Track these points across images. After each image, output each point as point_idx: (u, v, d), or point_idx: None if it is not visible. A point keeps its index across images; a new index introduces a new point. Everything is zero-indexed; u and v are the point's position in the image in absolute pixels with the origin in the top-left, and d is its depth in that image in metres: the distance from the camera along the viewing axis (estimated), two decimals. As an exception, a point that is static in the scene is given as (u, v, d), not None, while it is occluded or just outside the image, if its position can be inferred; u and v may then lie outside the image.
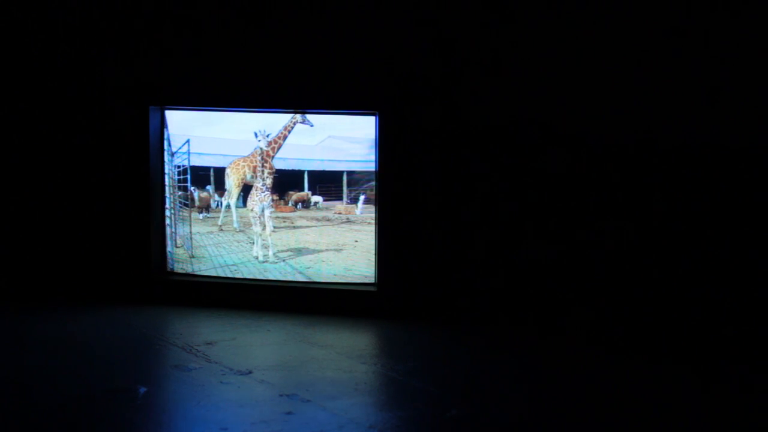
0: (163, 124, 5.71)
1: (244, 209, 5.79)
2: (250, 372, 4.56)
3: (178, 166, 5.77)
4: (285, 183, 5.69)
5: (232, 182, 5.76)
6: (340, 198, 5.61)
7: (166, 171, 5.76)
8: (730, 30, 5.09)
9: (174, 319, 5.44)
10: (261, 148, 5.65)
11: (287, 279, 5.67)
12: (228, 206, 5.82)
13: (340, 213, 5.64)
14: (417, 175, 5.50)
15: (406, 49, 5.44)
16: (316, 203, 5.68)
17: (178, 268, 5.81)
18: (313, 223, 5.69)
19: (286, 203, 5.72)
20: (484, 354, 4.94)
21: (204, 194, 5.82)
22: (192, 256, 5.80)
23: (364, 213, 5.58)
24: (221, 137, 5.70)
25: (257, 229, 5.76)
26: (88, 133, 5.89)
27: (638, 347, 5.00)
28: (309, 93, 5.55)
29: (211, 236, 5.84)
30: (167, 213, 5.79)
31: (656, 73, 5.20)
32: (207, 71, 5.66)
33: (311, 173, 5.65)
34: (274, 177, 5.68)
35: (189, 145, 5.72)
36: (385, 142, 5.42)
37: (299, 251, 5.70)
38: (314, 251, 5.69)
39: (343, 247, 5.64)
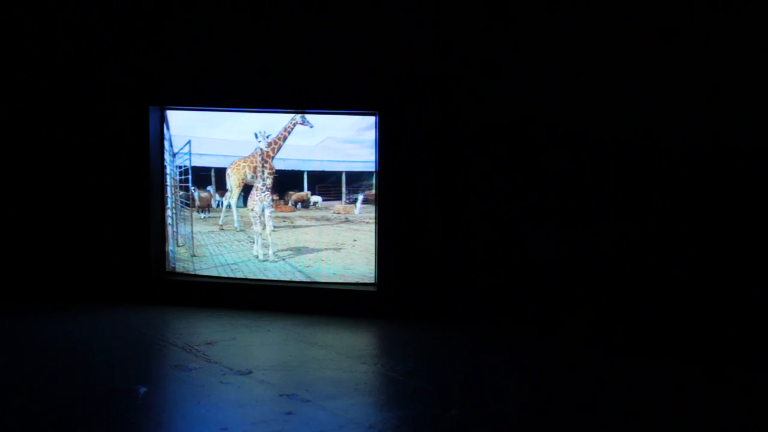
0: (163, 124, 5.71)
1: (245, 209, 5.80)
2: (250, 372, 4.56)
3: (180, 167, 5.77)
4: (285, 183, 5.70)
5: (232, 182, 5.77)
6: (339, 198, 5.62)
7: (168, 171, 5.77)
8: (730, 30, 5.09)
9: (174, 319, 5.44)
10: (261, 149, 5.66)
11: (287, 279, 5.68)
12: (229, 206, 5.82)
13: (338, 213, 5.65)
14: (417, 175, 5.50)
15: (406, 50, 5.44)
16: (315, 203, 5.68)
17: (180, 266, 5.82)
18: (313, 222, 5.69)
19: (286, 203, 5.72)
20: (484, 354, 4.94)
21: (204, 194, 5.82)
22: (193, 255, 5.81)
23: (363, 213, 5.58)
24: (222, 138, 5.71)
25: (257, 228, 5.76)
26: (88, 133, 5.89)
27: (638, 347, 5.00)
28: (309, 93, 5.55)
29: (212, 235, 5.84)
30: (169, 213, 5.80)
31: (656, 73, 5.20)
32: (207, 71, 5.66)
33: (311, 173, 5.66)
34: (274, 177, 5.69)
35: (190, 146, 5.73)
36: (385, 142, 5.42)
37: (299, 250, 5.70)
38: (314, 250, 5.69)
39: (342, 246, 5.65)
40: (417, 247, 5.54)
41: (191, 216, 5.82)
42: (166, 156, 5.74)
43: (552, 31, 5.30)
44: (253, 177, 5.72)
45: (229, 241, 5.82)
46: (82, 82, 5.86)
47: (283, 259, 5.71)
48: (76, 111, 5.89)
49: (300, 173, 5.67)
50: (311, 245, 5.69)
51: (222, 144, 5.72)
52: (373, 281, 5.54)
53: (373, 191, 5.51)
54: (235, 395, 4.27)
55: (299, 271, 5.67)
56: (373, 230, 5.52)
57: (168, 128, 5.72)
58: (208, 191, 5.81)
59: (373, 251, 5.53)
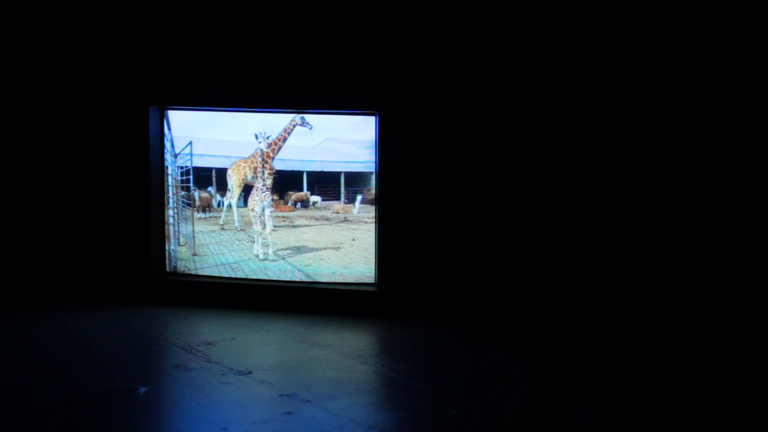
0: (163, 124, 5.71)
1: (245, 209, 5.80)
2: (250, 372, 4.56)
3: (181, 167, 5.78)
4: (285, 183, 5.70)
5: (233, 182, 5.77)
6: (338, 198, 5.63)
7: (170, 172, 5.77)
8: (730, 30, 5.09)
9: (174, 319, 5.44)
10: (261, 150, 5.66)
11: (287, 278, 5.68)
12: (229, 206, 5.82)
13: (338, 212, 5.65)
14: (417, 175, 5.50)
15: (406, 49, 5.44)
16: (314, 203, 5.69)
17: (181, 265, 5.82)
18: (312, 222, 5.70)
19: (286, 203, 5.73)
20: (484, 353, 4.94)
21: (204, 194, 5.82)
22: (195, 254, 5.81)
23: (361, 212, 5.59)
24: (223, 139, 5.71)
25: (258, 227, 5.77)
26: (88, 133, 5.89)
27: (638, 346, 5.00)
28: (309, 93, 5.55)
29: (213, 235, 5.85)
30: (170, 212, 5.80)
31: (656, 72, 5.20)
32: (207, 71, 5.66)
33: (310, 174, 5.66)
34: (274, 177, 5.69)
35: (191, 147, 5.73)
36: (385, 142, 5.42)
37: (298, 249, 5.71)
38: (313, 249, 5.70)
39: (341, 245, 5.65)
40: (417, 247, 5.54)
41: (192, 216, 5.82)
42: (168, 157, 5.75)
43: (552, 30, 5.30)
44: (253, 177, 5.73)
45: (229, 240, 5.83)
46: (82, 82, 5.86)
47: (283, 258, 5.71)
48: (76, 111, 5.89)
49: (300, 173, 5.68)
50: (311, 244, 5.70)
51: (223, 145, 5.72)
52: (371, 280, 5.54)
53: (372, 191, 5.51)
54: (235, 395, 4.27)
55: (299, 270, 5.68)
56: (372, 230, 5.52)
57: (170, 129, 5.72)
58: (209, 191, 5.82)
59: (372, 250, 5.53)
